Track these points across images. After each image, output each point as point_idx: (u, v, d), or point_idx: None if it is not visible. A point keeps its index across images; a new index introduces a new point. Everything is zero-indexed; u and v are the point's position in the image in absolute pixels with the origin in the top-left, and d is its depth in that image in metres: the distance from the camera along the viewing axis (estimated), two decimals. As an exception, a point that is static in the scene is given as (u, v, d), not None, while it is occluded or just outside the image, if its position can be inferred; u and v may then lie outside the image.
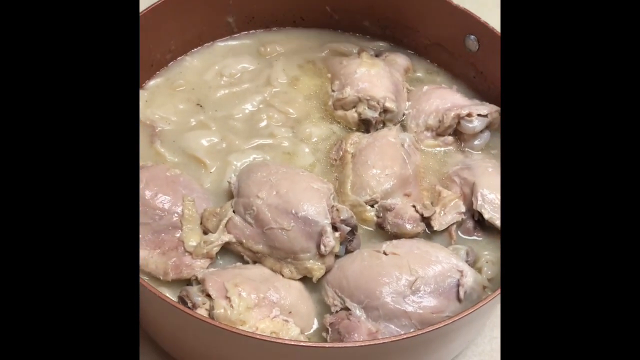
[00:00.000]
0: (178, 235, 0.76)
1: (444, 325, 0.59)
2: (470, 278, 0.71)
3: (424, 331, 0.59)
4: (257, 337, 0.57)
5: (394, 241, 0.76)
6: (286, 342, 0.58)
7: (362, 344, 0.59)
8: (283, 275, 0.73)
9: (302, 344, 0.58)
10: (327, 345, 0.58)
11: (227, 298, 0.67)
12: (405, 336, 0.59)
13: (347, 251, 0.76)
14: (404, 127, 0.92)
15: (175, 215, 0.77)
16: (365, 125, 0.91)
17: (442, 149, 0.90)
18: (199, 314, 0.61)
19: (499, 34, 0.89)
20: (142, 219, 0.75)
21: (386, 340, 0.58)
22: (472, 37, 0.93)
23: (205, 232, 0.77)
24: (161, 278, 0.74)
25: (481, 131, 0.89)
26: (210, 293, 0.68)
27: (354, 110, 0.91)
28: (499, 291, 0.64)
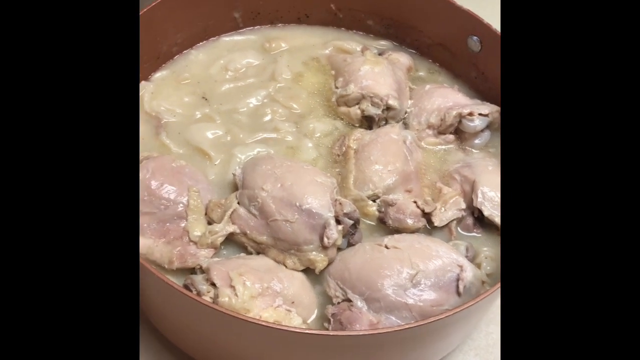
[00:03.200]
0: (183, 225, 0.77)
1: (444, 318, 0.61)
2: (469, 273, 0.73)
3: (424, 322, 0.60)
4: (262, 323, 0.59)
5: (396, 235, 0.78)
6: (291, 329, 0.59)
7: (364, 333, 0.60)
8: (286, 266, 0.75)
9: (306, 331, 0.59)
10: (330, 333, 0.60)
11: (232, 287, 0.68)
12: (406, 327, 0.60)
13: (349, 244, 0.77)
14: (406, 125, 0.93)
15: (181, 205, 0.78)
16: (368, 122, 0.92)
17: (443, 147, 0.92)
18: (205, 300, 0.62)
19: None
20: (148, 208, 0.76)
21: (388, 330, 0.60)
22: (475, 38, 0.95)
23: (209, 223, 0.78)
24: (166, 266, 0.75)
25: (482, 130, 0.91)
26: (215, 281, 0.69)
27: (357, 107, 0.92)
28: (497, 286, 0.65)
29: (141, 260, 0.64)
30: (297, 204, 0.74)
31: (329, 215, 0.74)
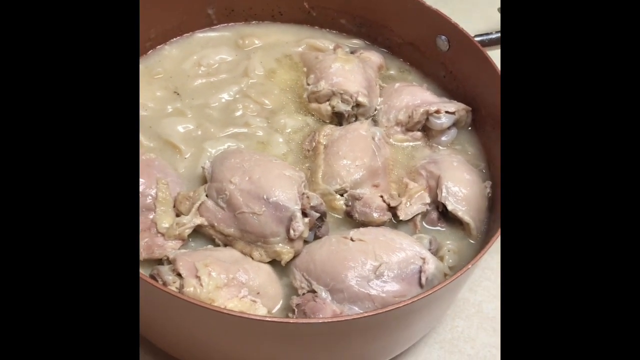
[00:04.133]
0: (151, 217, 0.78)
1: (403, 306, 0.62)
2: (432, 265, 0.75)
3: (384, 310, 0.62)
4: (225, 312, 0.60)
5: (361, 229, 0.79)
6: (252, 317, 0.60)
7: (325, 321, 0.62)
8: (253, 258, 0.76)
9: (267, 319, 0.60)
10: (290, 321, 0.61)
11: (197, 277, 0.69)
12: (366, 315, 0.62)
13: (316, 237, 0.79)
14: (375, 122, 0.95)
15: (149, 197, 0.79)
16: (338, 118, 0.94)
17: (411, 143, 0.94)
18: (170, 289, 0.63)
19: (469, 35, 0.93)
20: (116, 200, 0.77)
21: (347, 318, 0.61)
22: (443, 37, 0.97)
23: (178, 215, 0.79)
24: (133, 257, 0.75)
25: (448, 128, 0.93)
26: (181, 272, 0.70)
27: (327, 103, 0.94)
28: (456, 275, 0.67)
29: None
30: (265, 196, 0.75)
31: (296, 207, 0.75)
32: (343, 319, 0.62)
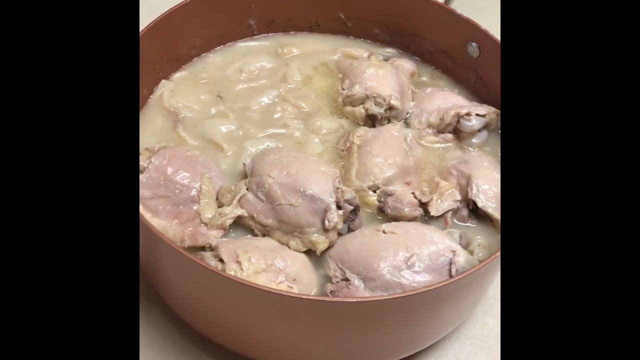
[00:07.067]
0: (195, 208, 0.83)
1: (433, 289, 0.65)
2: (462, 258, 0.77)
3: (415, 292, 0.65)
4: (265, 289, 0.64)
5: (394, 222, 0.83)
6: (289, 294, 0.64)
7: (358, 300, 0.65)
8: (289, 247, 0.80)
9: (304, 297, 0.64)
10: (326, 299, 0.65)
11: (238, 262, 0.74)
12: (397, 295, 0.65)
13: (350, 230, 0.83)
14: (407, 124, 0.99)
15: (194, 190, 0.84)
16: (371, 121, 0.98)
17: (442, 145, 0.97)
18: (215, 268, 0.67)
19: (499, 42, 0.96)
20: (163, 192, 0.83)
21: (380, 298, 0.65)
22: (474, 44, 1.01)
23: (220, 207, 0.84)
24: (178, 244, 0.80)
25: (479, 130, 0.96)
26: (223, 257, 0.74)
27: (361, 106, 0.98)
28: (484, 263, 0.70)
29: (157, 234, 0.70)
30: (301, 189, 0.79)
31: (331, 200, 0.79)
32: (375, 299, 0.65)
